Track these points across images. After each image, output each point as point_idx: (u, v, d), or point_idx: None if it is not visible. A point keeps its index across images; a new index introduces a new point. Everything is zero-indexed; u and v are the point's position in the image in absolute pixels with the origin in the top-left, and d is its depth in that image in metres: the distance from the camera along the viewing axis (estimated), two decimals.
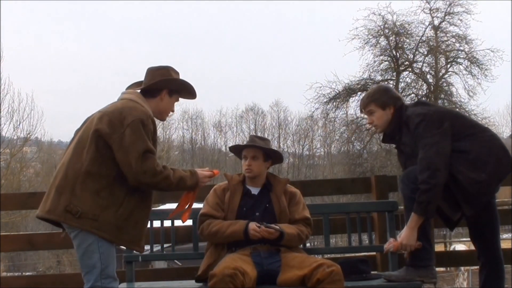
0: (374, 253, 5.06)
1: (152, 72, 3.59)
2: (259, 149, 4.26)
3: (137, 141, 3.24)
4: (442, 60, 23.64)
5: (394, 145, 4.25)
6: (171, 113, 3.69)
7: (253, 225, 4.02)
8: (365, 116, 4.28)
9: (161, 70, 3.59)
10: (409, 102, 4.24)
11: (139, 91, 3.56)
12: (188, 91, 3.66)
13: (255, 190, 4.29)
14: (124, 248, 4.35)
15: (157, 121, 3.57)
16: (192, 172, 3.50)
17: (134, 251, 3.85)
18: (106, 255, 3.28)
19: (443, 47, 23.57)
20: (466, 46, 23.20)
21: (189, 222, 4.63)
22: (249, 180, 4.31)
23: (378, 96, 4.07)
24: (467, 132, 3.84)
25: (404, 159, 4.03)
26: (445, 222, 4.06)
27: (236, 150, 4.41)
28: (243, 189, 4.27)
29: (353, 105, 23.29)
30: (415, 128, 3.83)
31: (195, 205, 4.57)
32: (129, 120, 3.27)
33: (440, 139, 3.74)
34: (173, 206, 7.24)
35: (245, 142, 4.34)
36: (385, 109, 4.03)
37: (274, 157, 4.37)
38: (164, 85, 3.55)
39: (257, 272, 3.88)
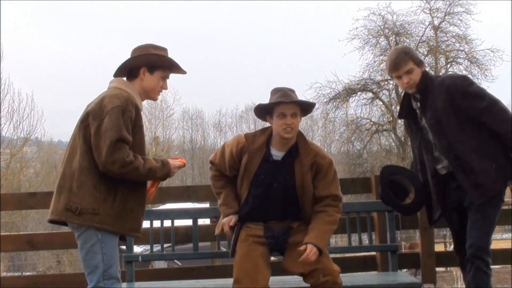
0: (374, 253, 5.07)
1: (132, 52, 3.50)
2: (298, 105, 3.76)
3: (112, 128, 3.19)
4: (442, 60, 23.66)
5: (405, 125, 4.12)
6: (163, 91, 3.55)
7: (227, 226, 3.81)
8: (394, 79, 4.02)
9: (139, 48, 3.48)
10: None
11: (125, 78, 3.49)
12: (169, 65, 3.51)
13: (278, 155, 3.79)
14: (124, 247, 4.38)
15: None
16: (164, 162, 3.41)
17: (134, 248, 3.81)
18: (109, 256, 3.27)
19: (443, 47, 23.59)
20: (466, 46, 23.26)
21: (189, 222, 4.64)
22: (278, 142, 3.78)
23: (413, 53, 3.91)
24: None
25: (419, 135, 3.93)
26: (428, 218, 4.08)
27: (263, 109, 3.80)
28: (265, 153, 3.78)
29: (353, 105, 23.29)
30: (468, 86, 3.78)
31: None
32: (109, 107, 3.24)
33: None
34: (173, 206, 7.26)
35: (278, 98, 3.71)
36: (420, 66, 3.88)
37: (307, 113, 3.89)
38: (140, 62, 3.44)
39: (268, 245, 3.78)
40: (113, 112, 3.23)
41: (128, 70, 3.47)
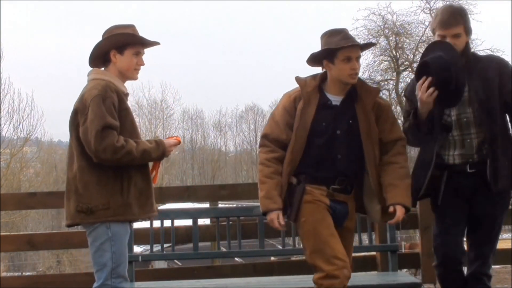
0: (374, 253, 5.07)
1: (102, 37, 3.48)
2: (359, 48, 3.47)
3: (95, 118, 3.20)
4: None
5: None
6: (141, 67, 3.48)
7: (276, 223, 3.37)
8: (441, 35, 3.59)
9: (106, 33, 3.44)
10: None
11: (103, 68, 3.47)
12: (137, 40, 3.43)
13: (336, 100, 3.45)
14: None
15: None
16: (158, 142, 3.38)
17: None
18: (118, 255, 3.29)
19: None
20: None
21: (189, 222, 4.65)
22: (337, 86, 3.45)
23: (468, 18, 3.60)
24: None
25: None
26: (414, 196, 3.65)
27: (322, 53, 3.43)
28: (320, 98, 3.43)
29: None
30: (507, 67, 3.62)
31: None
32: (89, 100, 3.25)
33: None
34: (173, 206, 7.26)
35: (342, 41, 3.37)
36: (467, 35, 3.62)
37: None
38: (107, 46, 3.41)
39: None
40: (93, 103, 3.24)
41: (102, 57, 3.45)
